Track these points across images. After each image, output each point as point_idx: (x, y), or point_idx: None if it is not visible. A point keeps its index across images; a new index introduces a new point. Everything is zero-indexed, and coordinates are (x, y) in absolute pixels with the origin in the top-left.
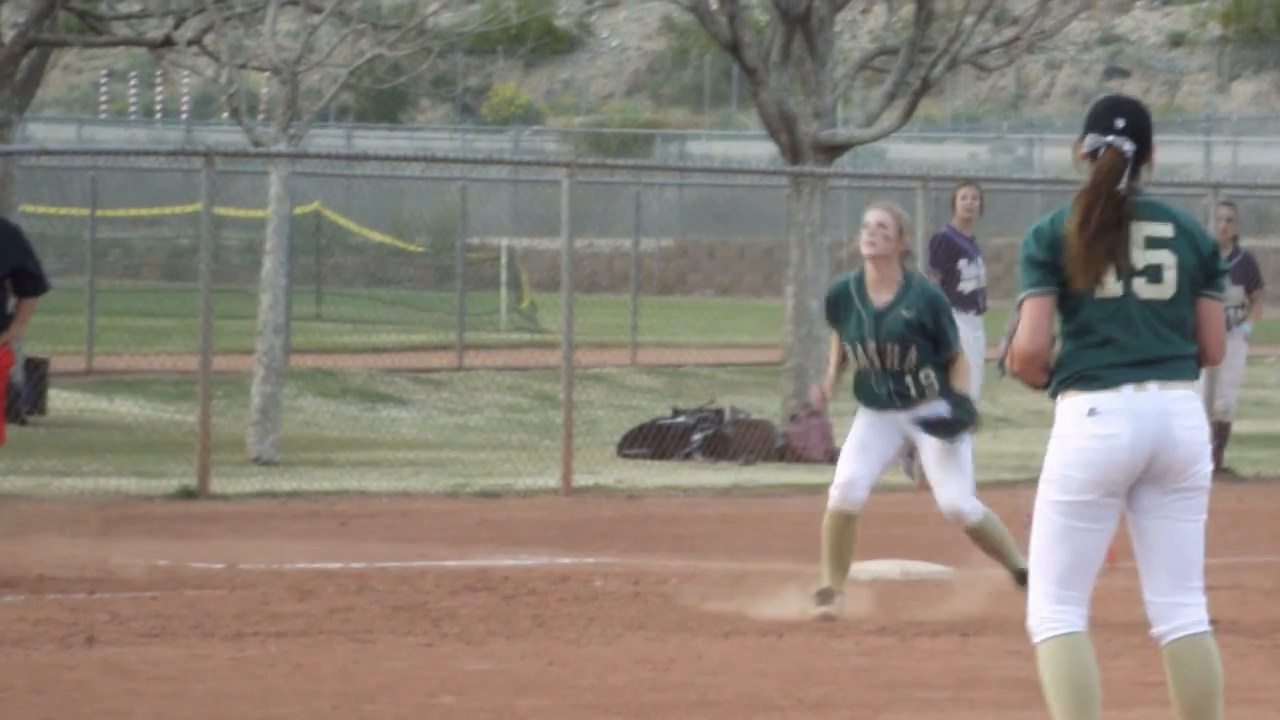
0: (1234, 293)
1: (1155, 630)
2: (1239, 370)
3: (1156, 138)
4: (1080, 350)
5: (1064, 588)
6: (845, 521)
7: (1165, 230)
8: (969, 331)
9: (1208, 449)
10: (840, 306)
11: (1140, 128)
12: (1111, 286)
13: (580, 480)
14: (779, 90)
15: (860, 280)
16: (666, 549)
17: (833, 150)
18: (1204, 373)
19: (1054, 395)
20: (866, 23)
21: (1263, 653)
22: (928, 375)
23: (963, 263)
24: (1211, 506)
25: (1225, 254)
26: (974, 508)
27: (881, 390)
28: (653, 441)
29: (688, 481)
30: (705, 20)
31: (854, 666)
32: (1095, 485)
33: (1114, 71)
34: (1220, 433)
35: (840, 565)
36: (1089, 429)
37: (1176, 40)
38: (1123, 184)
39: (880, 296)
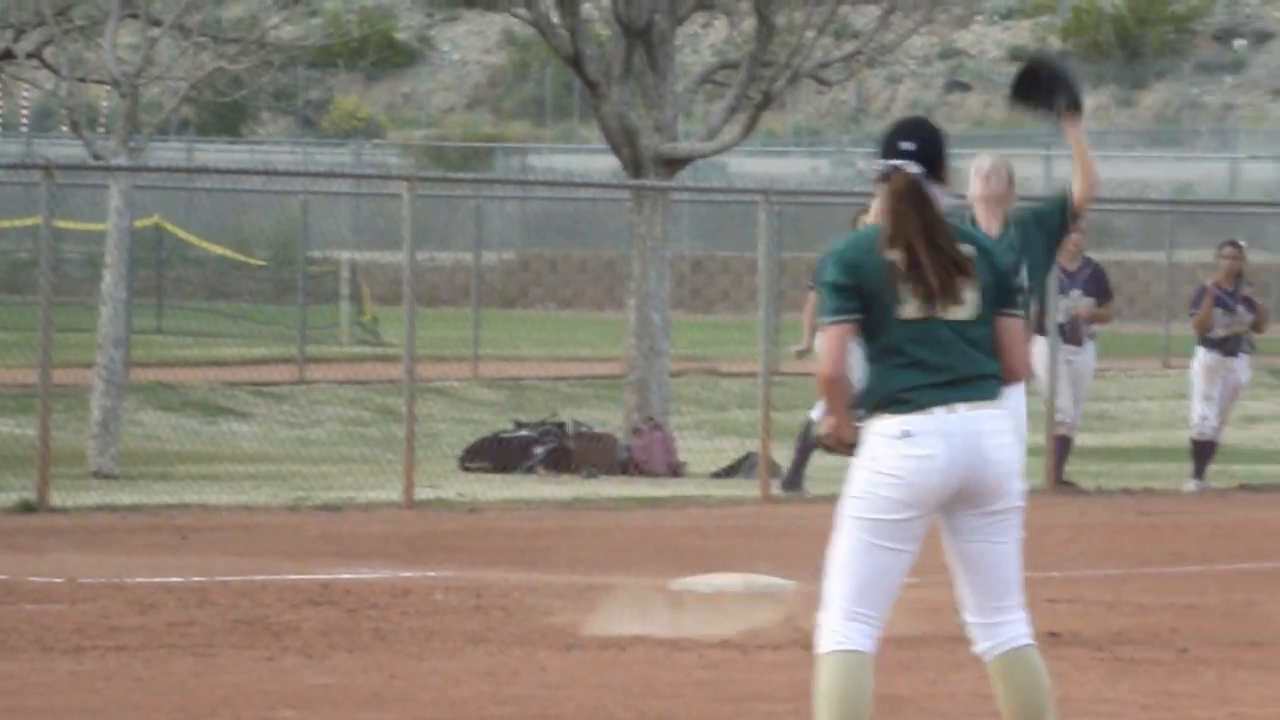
0: (1085, 304)
1: (977, 649)
2: (1088, 384)
3: (999, 151)
4: (889, 372)
5: (858, 605)
6: None
7: (965, 251)
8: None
9: (1019, 467)
10: None
11: (929, 150)
12: (916, 308)
13: (422, 494)
14: (620, 104)
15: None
16: (508, 562)
17: (674, 164)
18: (1049, 387)
19: (864, 419)
20: (708, 36)
21: (1104, 665)
22: None
23: None
24: (1053, 520)
25: (1074, 266)
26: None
27: None
28: (495, 455)
29: (530, 495)
30: (546, 33)
31: (697, 680)
32: (906, 506)
33: (955, 85)
34: (1063, 446)
35: None
36: (903, 450)
37: (1017, 54)
38: (936, 203)
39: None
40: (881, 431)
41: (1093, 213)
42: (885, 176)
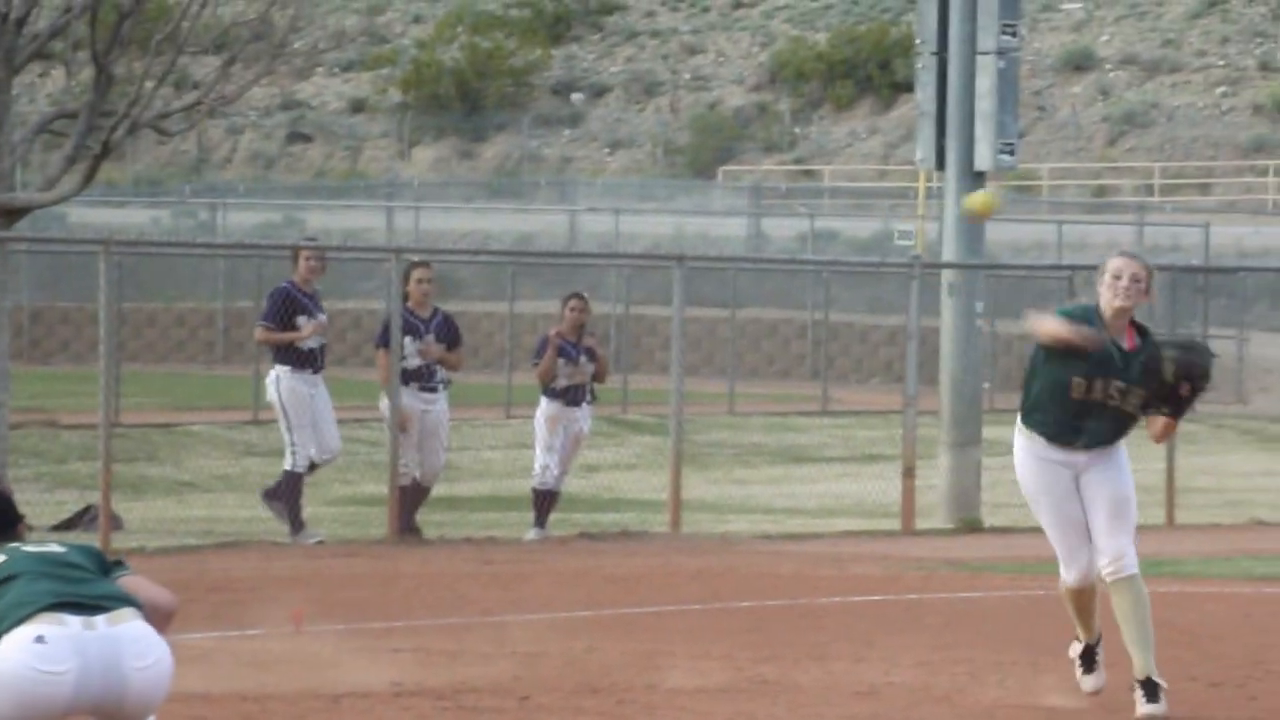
0: (437, 347)
1: None
2: (445, 434)
3: (340, 203)
4: (15, 591)
5: None
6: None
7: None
8: (305, 388)
9: (164, 686)
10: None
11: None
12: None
13: None
14: None
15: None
16: None
17: (12, 214)
18: (411, 439)
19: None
20: (45, 86)
21: (448, 714)
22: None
23: (302, 319)
24: (396, 570)
25: (426, 314)
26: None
27: (1093, 426)
28: None
29: None
30: None
31: None
32: (25, 709)
33: (296, 136)
34: (419, 495)
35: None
36: (32, 660)
37: (358, 106)
38: None
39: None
40: (15, 637)
41: (439, 264)
42: None
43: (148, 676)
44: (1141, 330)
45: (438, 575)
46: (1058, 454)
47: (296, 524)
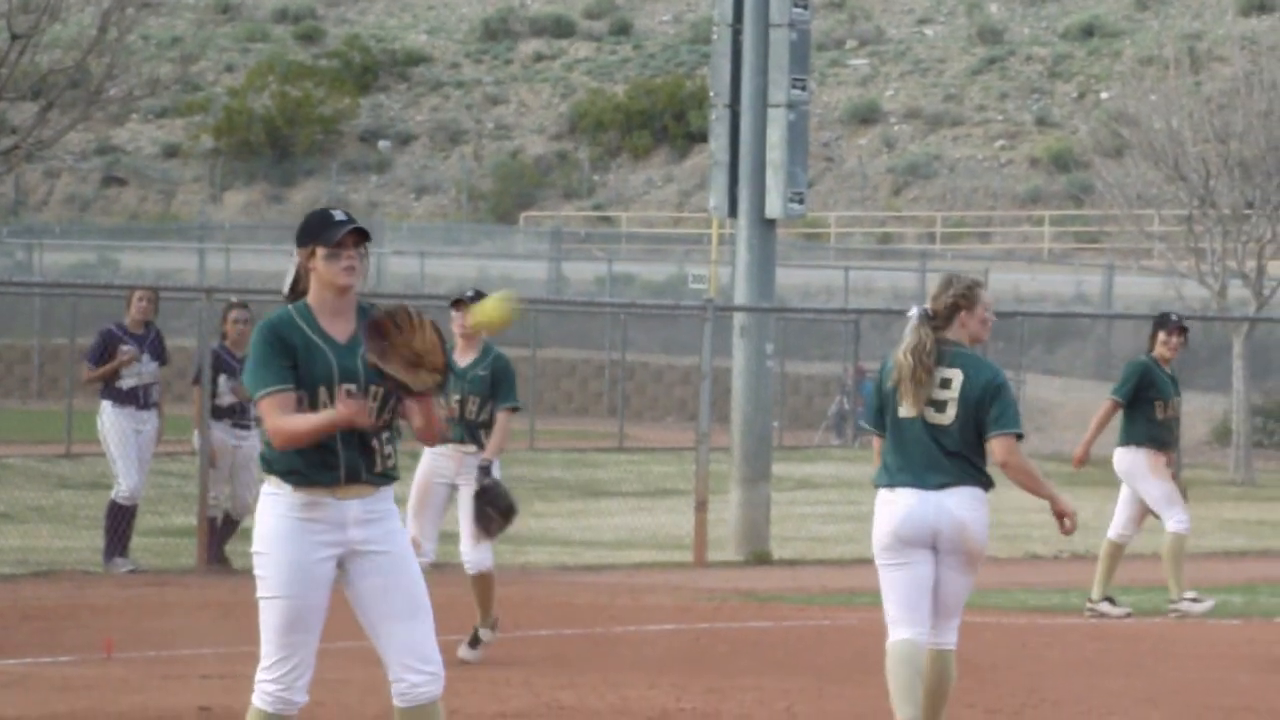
0: (247, 390)
1: None
2: (257, 468)
3: (153, 244)
4: None
5: None
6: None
7: None
8: (129, 424)
9: None
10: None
11: None
12: None
13: None
14: None
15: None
16: None
17: None
18: (222, 474)
19: None
20: None
21: None
22: None
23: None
24: (205, 598)
25: (242, 353)
26: None
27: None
28: None
29: None
30: None
31: None
32: None
33: (111, 180)
34: (229, 528)
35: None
36: None
37: (171, 151)
38: None
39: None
40: None
41: (256, 304)
42: None
43: None
44: None
45: (245, 604)
46: None
47: (123, 549)
